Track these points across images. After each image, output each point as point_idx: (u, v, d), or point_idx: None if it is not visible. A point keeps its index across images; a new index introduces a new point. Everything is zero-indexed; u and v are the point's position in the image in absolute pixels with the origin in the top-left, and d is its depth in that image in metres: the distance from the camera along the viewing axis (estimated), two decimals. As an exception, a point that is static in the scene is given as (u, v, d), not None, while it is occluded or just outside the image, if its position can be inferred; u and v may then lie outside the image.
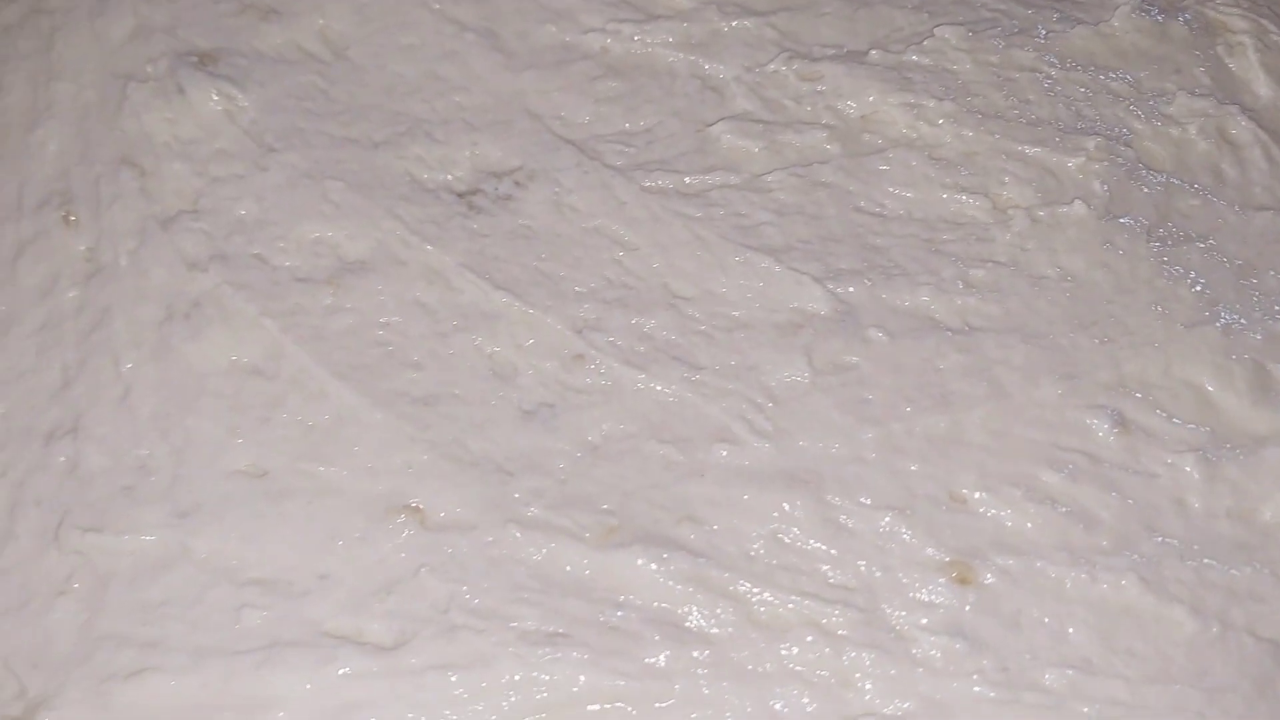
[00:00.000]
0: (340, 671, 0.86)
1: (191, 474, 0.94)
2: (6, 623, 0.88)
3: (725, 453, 0.96)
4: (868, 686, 0.88)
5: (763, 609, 0.90)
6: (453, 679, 0.86)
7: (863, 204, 1.09)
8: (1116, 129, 1.16)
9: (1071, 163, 1.12)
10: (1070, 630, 0.90)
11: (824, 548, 0.92)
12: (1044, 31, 1.21)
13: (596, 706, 0.87)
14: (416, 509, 0.93)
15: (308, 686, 0.85)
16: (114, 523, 0.91)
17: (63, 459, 0.94)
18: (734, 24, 1.18)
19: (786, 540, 0.92)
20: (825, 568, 0.91)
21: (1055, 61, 1.19)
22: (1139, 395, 1.00)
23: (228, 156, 1.09)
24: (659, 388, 1.00)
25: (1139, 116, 1.17)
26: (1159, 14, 1.25)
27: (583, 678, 0.86)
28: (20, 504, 0.93)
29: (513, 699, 0.86)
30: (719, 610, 0.89)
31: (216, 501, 0.92)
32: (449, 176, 1.11)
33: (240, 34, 1.16)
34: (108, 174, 1.07)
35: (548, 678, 0.86)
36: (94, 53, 1.15)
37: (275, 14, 1.18)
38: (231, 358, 0.99)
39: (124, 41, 1.15)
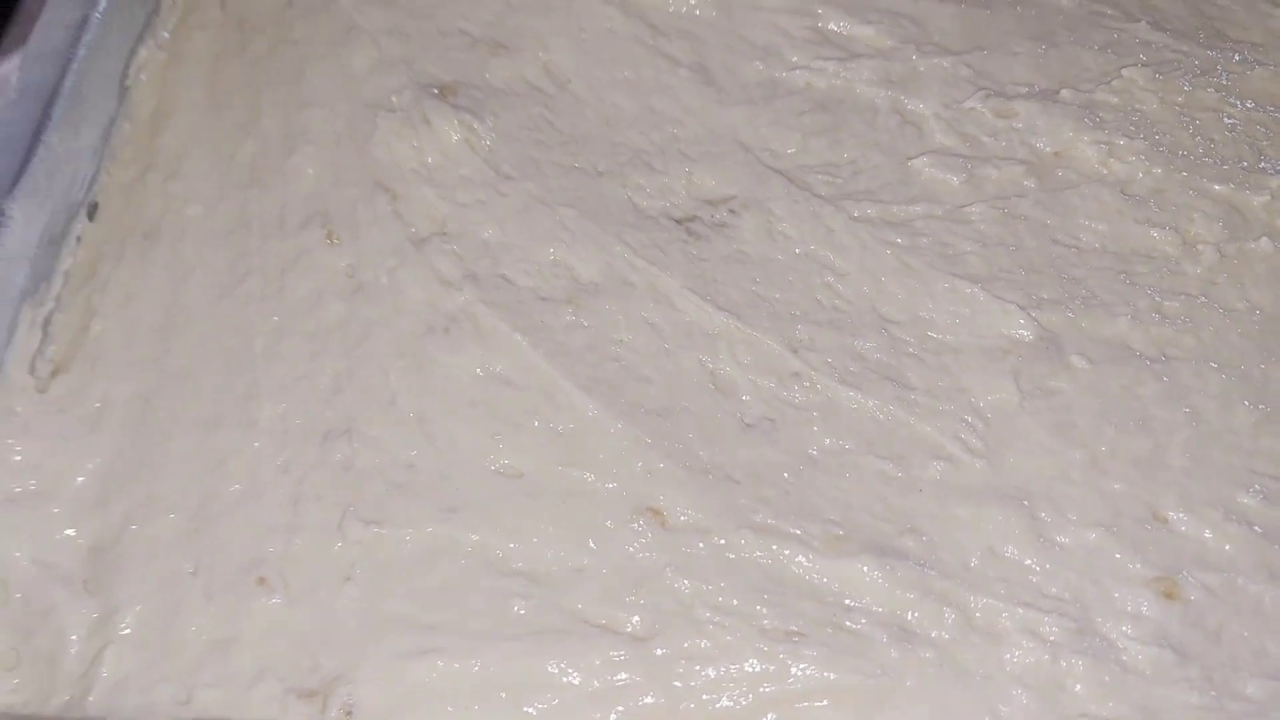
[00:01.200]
0: (600, 659, 0.95)
1: (456, 473, 1.03)
2: (299, 606, 0.98)
3: (940, 469, 1.04)
4: (1080, 690, 0.95)
5: (982, 616, 0.97)
6: (700, 669, 0.95)
7: (1060, 236, 1.16)
8: (1299, 168, 1.22)
9: (1257, 200, 1.18)
10: (1269, 643, 0.97)
11: (1037, 561, 0.99)
12: (1225, 73, 1.27)
13: (828, 701, 0.95)
14: (658, 511, 1.02)
15: (573, 672, 0.95)
16: (391, 516, 1.01)
17: (339, 457, 1.05)
18: (931, 62, 1.26)
19: (1002, 553, 1.00)
20: (1038, 579, 0.99)
21: (1236, 102, 1.25)
22: (1329, 425, 1.07)
23: (470, 183, 1.18)
24: (873, 405, 1.08)
25: (1320, 155, 1.23)
26: (1336, 55, 1.30)
27: (821, 673, 0.94)
28: (303, 499, 1.03)
29: (758, 690, 0.94)
30: (942, 616, 0.97)
31: (480, 499, 1.02)
32: (668, 204, 1.20)
33: (472, 67, 1.26)
34: (363, 197, 1.18)
35: (789, 671, 0.94)
36: (341, 83, 1.25)
37: (503, 48, 1.28)
38: (486, 369, 1.08)
39: (368, 73, 1.26)
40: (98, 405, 1.08)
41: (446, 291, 1.12)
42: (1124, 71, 1.25)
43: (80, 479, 1.04)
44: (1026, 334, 1.10)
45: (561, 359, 1.09)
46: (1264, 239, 1.15)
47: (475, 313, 1.10)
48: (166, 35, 1.29)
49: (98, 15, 1.17)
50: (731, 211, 1.19)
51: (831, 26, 1.29)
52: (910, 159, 1.21)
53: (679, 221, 1.19)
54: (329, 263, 1.15)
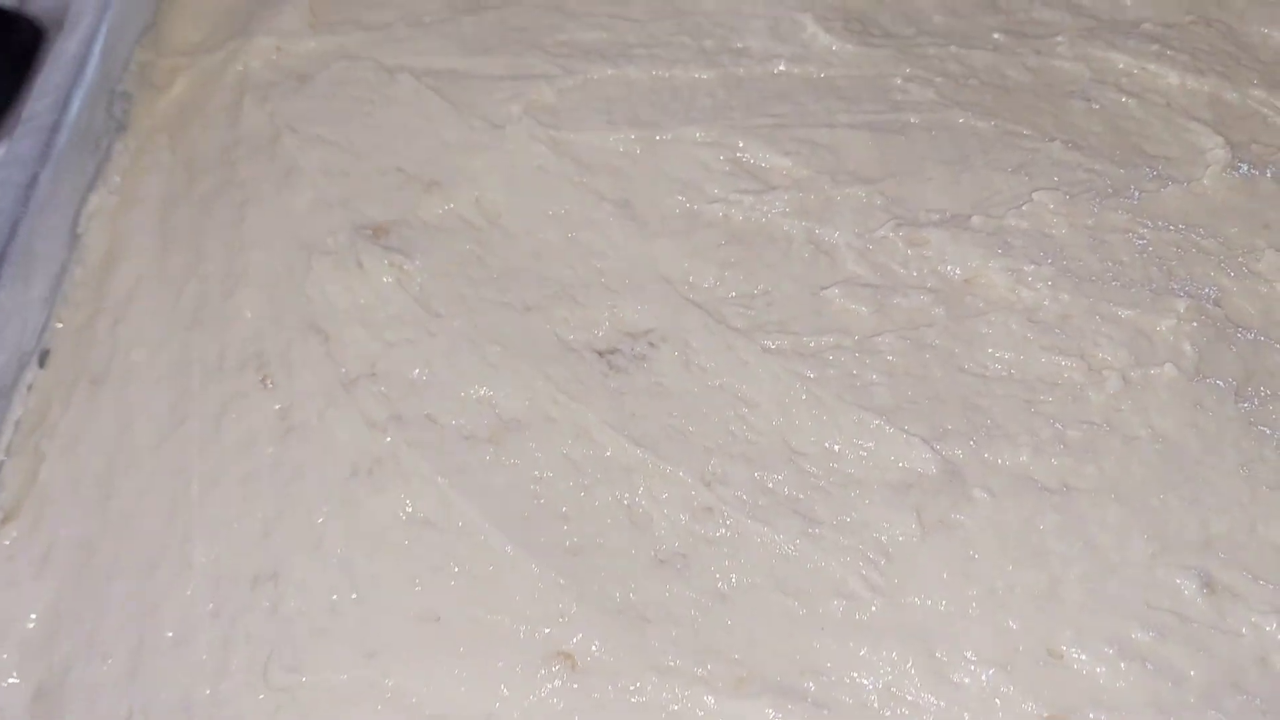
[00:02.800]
0: (508, 804, 0.99)
1: (376, 617, 1.08)
2: (225, 749, 1.03)
3: (842, 606, 1.07)
4: (969, 828, 0.98)
5: (878, 756, 1.01)
6: (605, 812, 0.99)
7: (967, 365, 1.20)
8: (1206, 288, 1.24)
9: (1163, 325, 1.21)
10: (1159, 781, 0.99)
11: (934, 700, 1.02)
12: (1137, 193, 1.30)
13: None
14: (569, 655, 1.06)
15: (481, 816, 0.99)
16: (313, 662, 1.06)
17: (266, 602, 1.10)
18: (846, 191, 1.30)
19: (900, 693, 1.03)
20: None
21: (1148, 222, 1.28)
22: (1225, 555, 1.09)
23: (400, 322, 1.24)
24: (781, 539, 1.11)
25: (1229, 274, 1.26)
26: (1249, 169, 1.33)
27: (719, 815, 0.98)
28: (233, 640, 1.08)
29: (658, 833, 0.98)
30: (838, 757, 1.00)
31: (399, 643, 1.07)
32: (591, 336, 1.24)
33: (406, 205, 1.32)
34: (298, 339, 1.23)
35: (688, 814, 0.98)
36: (281, 224, 1.31)
37: (437, 186, 1.33)
38: (408, 511, 1.13)
39: (306, 213, 1.32)
40: (44, 550, 1.14)
41: (372, 433, 1.17)
42: (1035, 195, 1.29)
43: (27, 625, 1.10)
44: (930, 467, 1.13)
45: (481, 499, 1.13)
46: (1168, 364, 1.18)
47: (399, 455, 1.15)
48: (118, 179, 1.36)
49: (47, 175, 1.24)
50: (651, 344, 1.24)
51: (749, 159, 1.33)
52: (823, 289, 1.25)
53: (601, 354, 1.23)
54: (263, 405, 1.20)
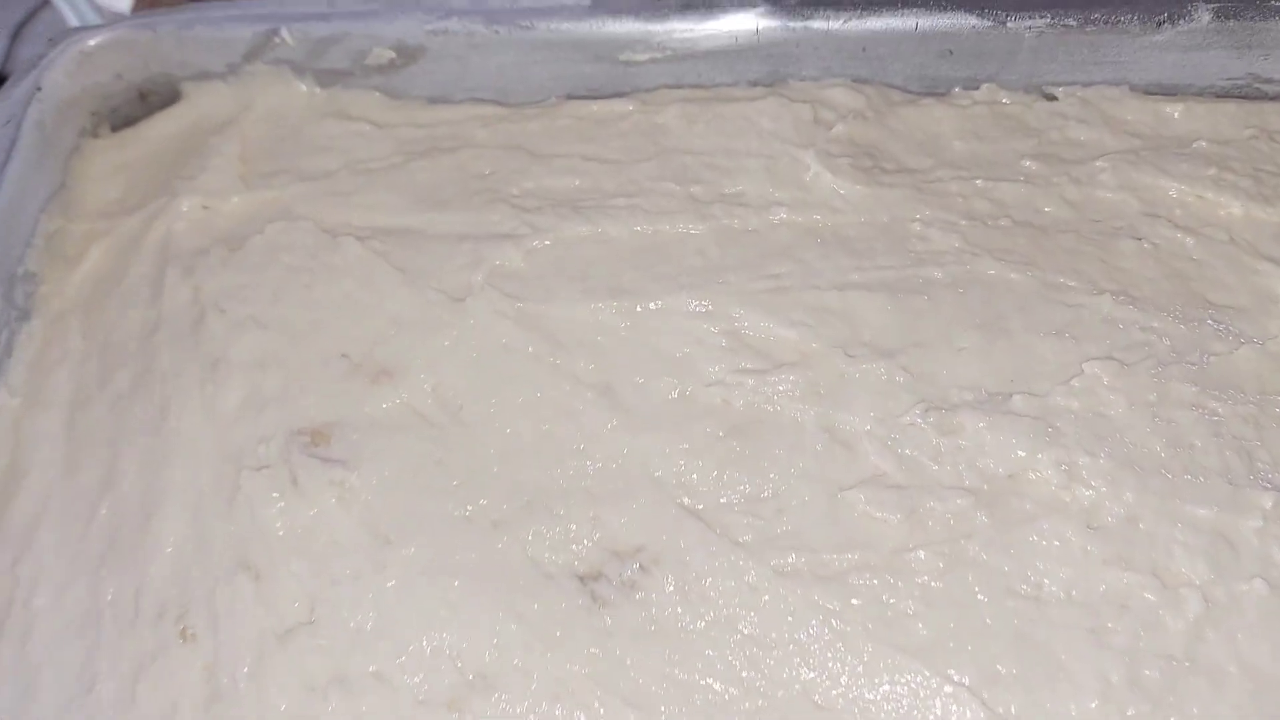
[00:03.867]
0: None
1: None
2: None
3: None
4: None
5: None
6: None
7: (1018, 587, 1.01)
8: (1294, 476, 1.05)
9: (1248, 525, 1.02)
10: None
11: None
12: (1205, 356, 1.11)
13: None
14: None
15: None
16: None
17: None
18: (863, 368, 1.11)
19: None
20: None
21: (1219, 394, 1.09)
22: (1344, 834, 0.90)
23: (344, 552, 1.05)
24: (806, 828, 0.92)
25: (1319, 455, 1.07)
26: (1330, 317, 1.14)
27: None
28: None
29: None
30: None
31: None
32: (571, 557, 1.05)
33: (352, 401, 1.13)
34: (224, 579, 1.05)
35: None
36: (206, 429, 1.13)
37: (386, 375, 1.15)
38: (355, 805, 0.95)
39: (236, 414, 1.13)
40: None
41: (311, 699, 0.98)
42: (1085, 366, 1.10)
43: None
44: (981, 725, 0.94)
45: (441, 789, 0.95)
46: (1256, 580, 0.99)
47: (343, 732, 0.97)
48: (22, 377, 1.18)
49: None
50: (642, 568, 1.05)
51: (750, 331, 1.14)
52: (842, 491, 1.06)
53: (583, 580, 1.05)
54: (186, 663, 1.02)
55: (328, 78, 1.34)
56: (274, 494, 1.07)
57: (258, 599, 1.03)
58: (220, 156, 1.30)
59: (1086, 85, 1.30)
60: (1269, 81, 1.29)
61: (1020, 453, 1.06)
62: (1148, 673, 0.97)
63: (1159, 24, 1.24)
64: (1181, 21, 1.24)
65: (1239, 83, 1.29)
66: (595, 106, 1.31)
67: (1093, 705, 0.95)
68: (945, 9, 1.25)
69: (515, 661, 1.00)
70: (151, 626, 1.04)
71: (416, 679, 0.99)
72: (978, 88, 1.31)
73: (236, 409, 1.14)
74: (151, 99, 1.38)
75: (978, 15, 1.25)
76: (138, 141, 1.35)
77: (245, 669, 1.00)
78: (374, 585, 1.04)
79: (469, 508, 1.08)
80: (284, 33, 1.30)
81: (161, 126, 1.36)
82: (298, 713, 0.98)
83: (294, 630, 1.01)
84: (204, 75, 1.34)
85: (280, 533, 1.06)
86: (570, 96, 1.33)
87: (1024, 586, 1.01)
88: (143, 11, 1.35)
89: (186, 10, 1.32)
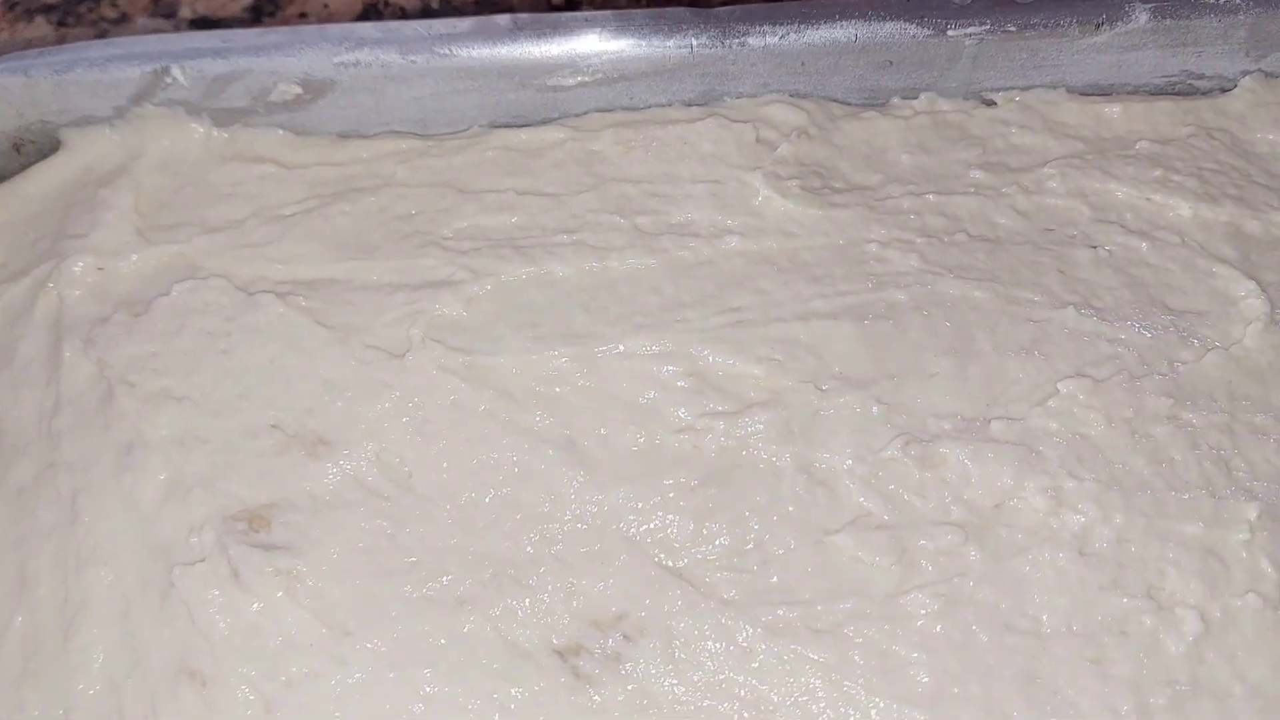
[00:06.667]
0: None
1: None
2: None
3: None
4: None
5: None
6: None
7: (1016, 621, 0.98)
8: (1272, 483, 1.04)
9: (1235, 538, 1.01)
10: None
11: None
12: (1173, 367, 1.09)
13: None
14: None
15: None
16: None
17: None
18: (836, 402, 1.06)
19: None
20: None
21: (1192, 404, 1.07)
22: None
23: (298, 649, 0.96)
24: None
25: (1296, 460, 1.06)
26: (1288, 316, 1.14)
27: None
28: None
29: None
30: None
31: None
32: (547, 632, 0.98)
33: (289, 477, 1.03)
34: (165, 690, 0.94)
35: None
36: (127, 522, 1.01)
37: (324, 445, 1.05)
38: None
39: (159, 503, 1.02)
40: None
41: (277, 830, 0.89)
42: (1060, 385, 1.07)
43: None
44: (996, 778, 0.91)
45: None
46: (1250, 594, 0.98)
47: None
48: (-97, 477, 1.05)
49: None
50: (626, 637, 0.98)
51: (714, 370, 1.08)
52: (828, 534, 1.01)
53: (562, 655, 0.97)
54: (129, 801, 0.91)
55: (226, 117, 1.22)
56: (213, 591, 0.97)
57: (207, 709, 0.93)
58: (112, 210, 1.17)
59: (1025, 89, 1.27)
60: (1201, 77, 1.28)
61: (1006, 481, 1.03)
62: (1153, 700, 0.95)
63: (1097, 26, 1.22)
64: (1119, 23, 1.22)
65: (1173, 80, 1.28)
66: (524, 135, 1.22)
67: (1105, 742, 0.93)
68: (885, 19, 1.20)
69: (500, 754, 0.92)
70: (86, 761, 0.93)
71: (392, 794, 0.91)
72: (916, 97, 1.27)
73: (159, 497, 1.02)
74: (27, 150, 1.24)
75: (918, 24, 1.21)
76: (14, 199, 1.21)
77: (199, 803, 0.90)
78: (336, 683, 0.95)
79: (430, 587, 1.00)
80: (175, 72, 1.18)
81: (41, 180, 1.22)
82: (263, 840, 0.89)
83: (250, 745, 0.92)
84: (87, 120, 1.21)
85: (224, 633, 0.96)
86: (494, 125, 1.25)
87: (1023, 621, 0.98)
88: (11, 54, 1.21)
89: (63, 50, 1.18)
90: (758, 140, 1.21)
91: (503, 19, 1.21)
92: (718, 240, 1.15)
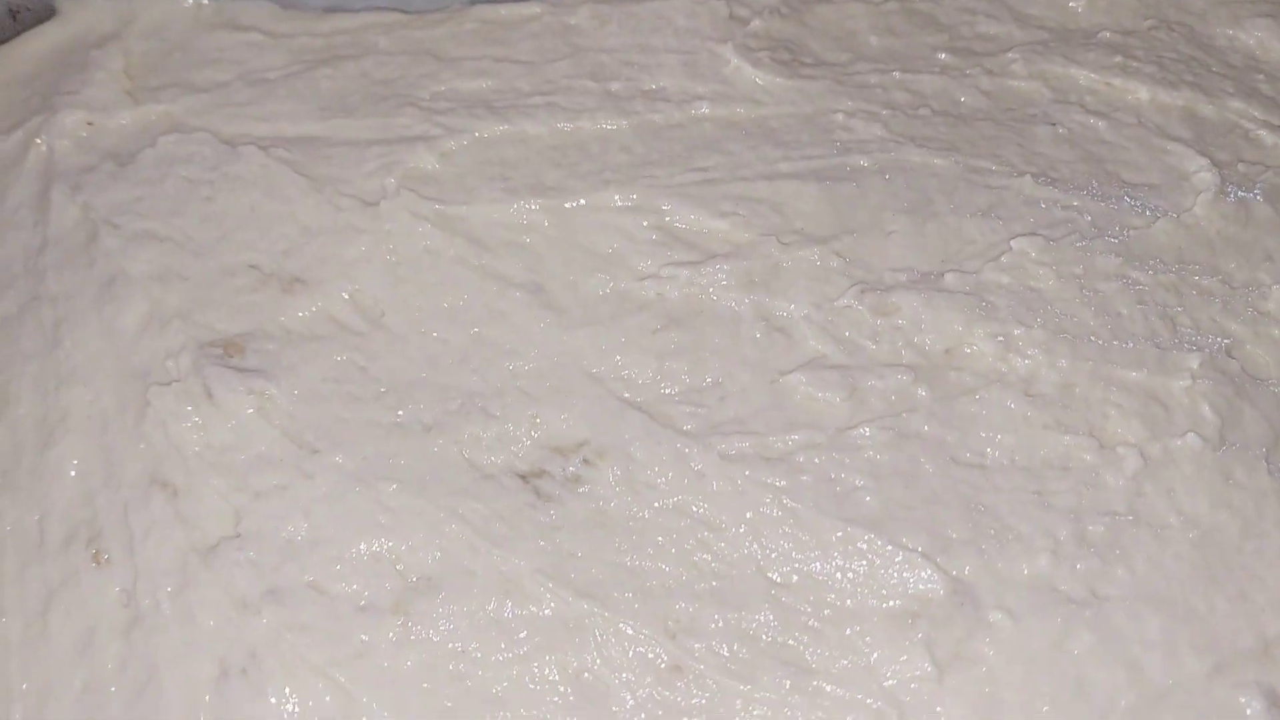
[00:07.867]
0: None
1: None
2: None
3: (855, 785, 0.87)
4: None
5: None
6: None
7: (962, 455, 1.01)
8: (1216, 337, 1.08)
9: (1177, 385, 1.04)
10: None
11: None
12: (1124, 230, 1.13)
13: None
14: None
15: None
16: None
17: None
18: (796, 255, 1.10)
19: None
20: None
21: (1141, 264, 1.11)
22: (1290, 665, 0.92)
23: (268, 464, 0.99)
24: (769, 699, 0.90)
25: (1237, 318, 1.10)
26: (1239, 192, 1.17)
27: None
28: None
29: None
30: None
31: None
32: (511, 457, 1.01)
33: (264, 311, 1.07)
34: (136, 498, 0.98)
35: None
36: (106, 348, 1.05)
37: (300, 283, 1.09)
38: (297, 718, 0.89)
39: (138, 332, 1.06)
40: None
41: (243, 615, 0.92)
42: (1013, 243, 1.11)
43: None
44: (937, 588, 0.94)
45: (389, 694, 0.90)
46: (1189, 434, 1.01)
47: (279, 643, 0.91)
48: (-108, 305, 1.08)
49: None
50: (585, 461, 1.02)
51: (680, 224, 1.12)
52: (783, 374, 1.05)
53: (525, 478, 1.01)
54: (100, 587, 0.95)
55: (215, -11, 1.27)
56: (187, 408, 1.00)
57: (177, 517, 0.97)
58: (103, 71, 1.21)
59: (992, -22, 1.31)
60: (1163, -25, 1.33)
61: (956, 327, 1.06)
62: (1093, 529, 0.98)
63: (1062, -85, 1.26)
64: (1085, -86, 1.26)
65: (1136, -24, 1.32)
66: (503, 10, 1.26)
67: (1043, 563, 0.96)
68: (857, -99, 1.25)
69: (460, 562, 0.96)
70: (59, 554, 0.96)
71: (355, 586, 0.94)
72: (886, -17, 1.31)
73: (138, 326, 1.06)
74: (23, 17, 1.28)
75: (888, -92, 1.25)
76: (9, 61, 1.25)
77: (168, 589, 0.94)
78: (303, 495, 0.98)
79: (399, 413, 1.03)
80: (167, -61, 1.22)
81: (34, 44, 1.26)
82: (228, 629, 0.92)
83: (218, 546, 0.95)
84: (79, -12, 1.26)
85: (196, 448, 0.99)
86: (474, 1, 1.29)
87: (968, 455, 1.01)
88: (8, -81, 1.25)
89: (58, -84, 1.23)
90: (730, 16, 1.25)
91: (485, -106, 1.25)
92: (688, 105, 1.19)
